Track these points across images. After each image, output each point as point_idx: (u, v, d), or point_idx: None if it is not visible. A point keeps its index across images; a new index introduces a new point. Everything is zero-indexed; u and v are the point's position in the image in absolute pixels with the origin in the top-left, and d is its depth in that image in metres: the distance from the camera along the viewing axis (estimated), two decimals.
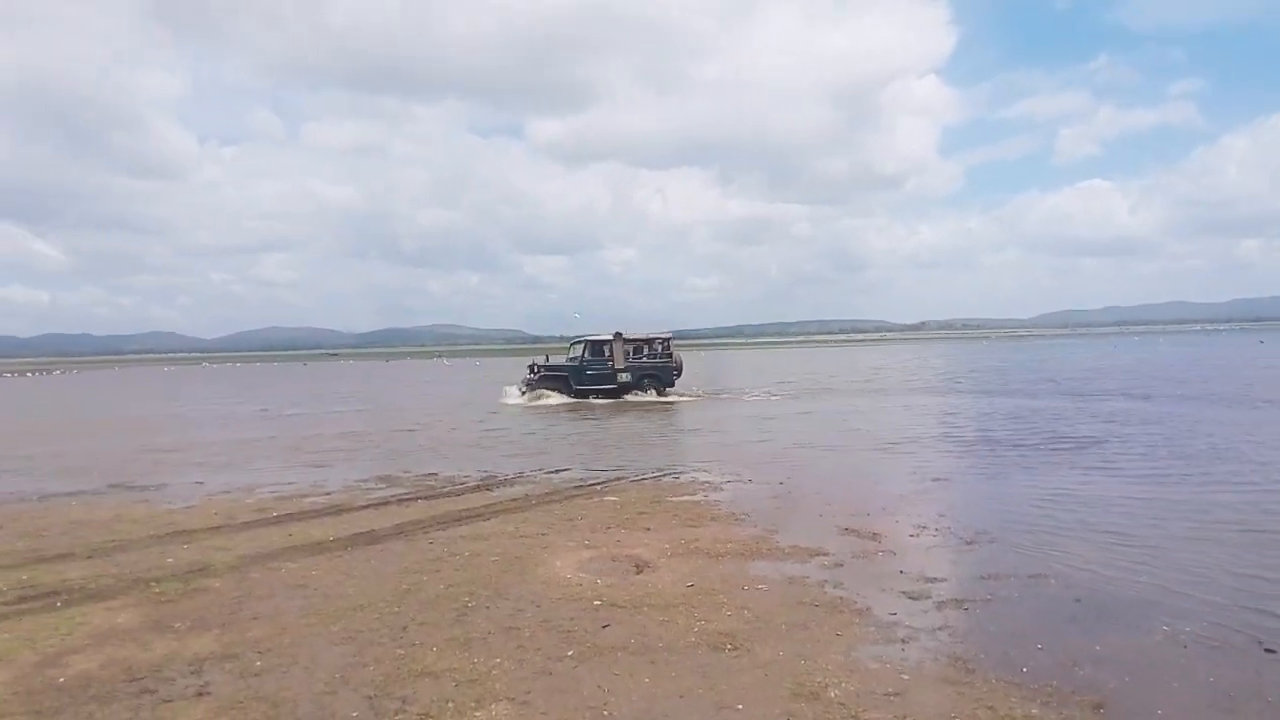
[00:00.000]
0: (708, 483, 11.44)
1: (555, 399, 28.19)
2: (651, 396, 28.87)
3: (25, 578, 7.27)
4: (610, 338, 29.31)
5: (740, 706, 4.37)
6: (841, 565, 7.12)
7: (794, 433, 17.87)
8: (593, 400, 28.32)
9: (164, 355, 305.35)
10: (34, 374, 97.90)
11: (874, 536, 8.10)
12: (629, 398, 28.59)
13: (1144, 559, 7.15)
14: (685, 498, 10.37)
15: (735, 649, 5.16)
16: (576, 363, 29.18)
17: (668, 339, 30.82)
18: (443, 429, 21.11)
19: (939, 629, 5.54)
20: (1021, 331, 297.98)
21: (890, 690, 4.53)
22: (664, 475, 12.20)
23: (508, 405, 28.11)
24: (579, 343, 30.20)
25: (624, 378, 28.94)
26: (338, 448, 17.17)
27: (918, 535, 8.20)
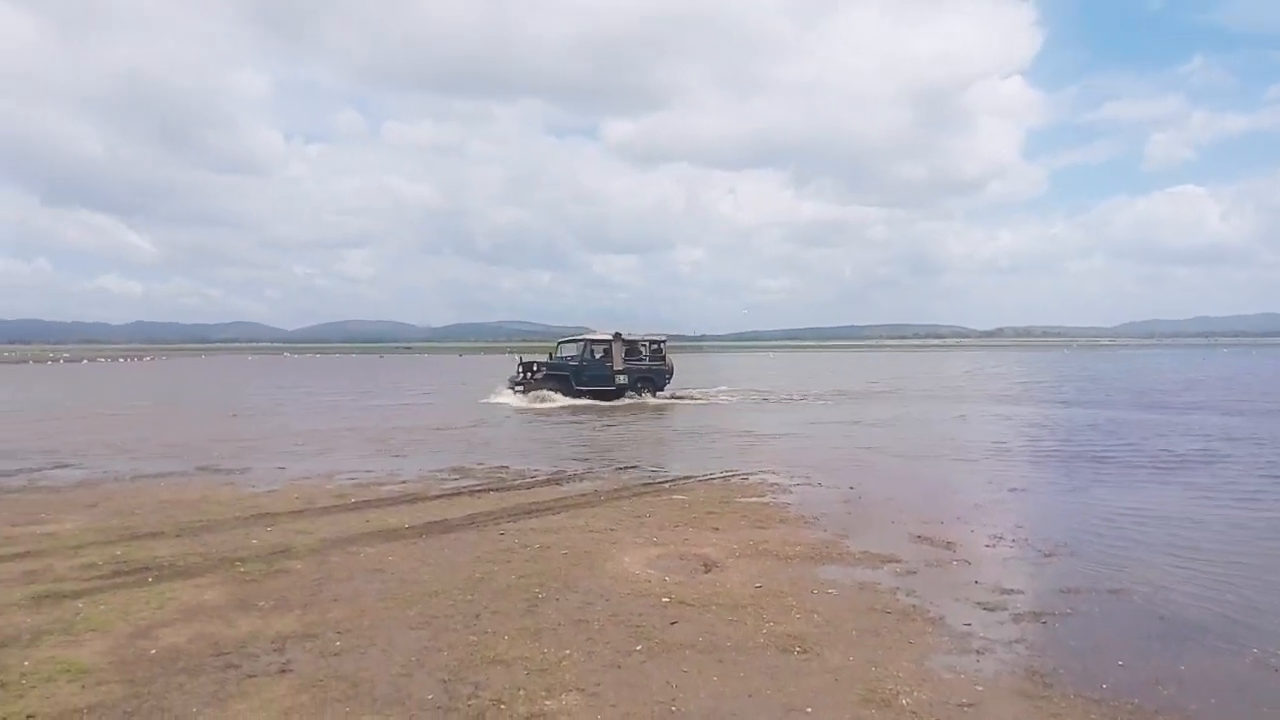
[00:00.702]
0: (776, 485, 11.38)
1: (557, 399, 27.12)
2: (649, 399, 28.23)
3: (119, 553, 7.64)
4: (609, 338, 28.56)
5: (809, 710, 4.35)
6: (914, 573, 7.01)
7: (865, 438, 17.63)
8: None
9: (248, 345, 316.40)
10: (125, 360, 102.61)
11: (948, 545, 7.95)
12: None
13: (1232, 579, 6.87)
14: (754, 499, 10.33)
15: (804, 652, 5.14)
16: (577, 363, 28.16)
17: (662, 341, 30.15)
18: (512, 424, 21.42)
19: (1015, 641, 5.42)
20: (1104, 340, 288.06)
21: (964, 701, 4.46)
22: (732, 476, 12.17)
23: (497, 405, 26.84)
24: (571, 342, 29.43)
25: (621, 380, 28.22)
26: (412, 439, 17.58)
27: (994, 546, 8.02)
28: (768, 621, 5.69)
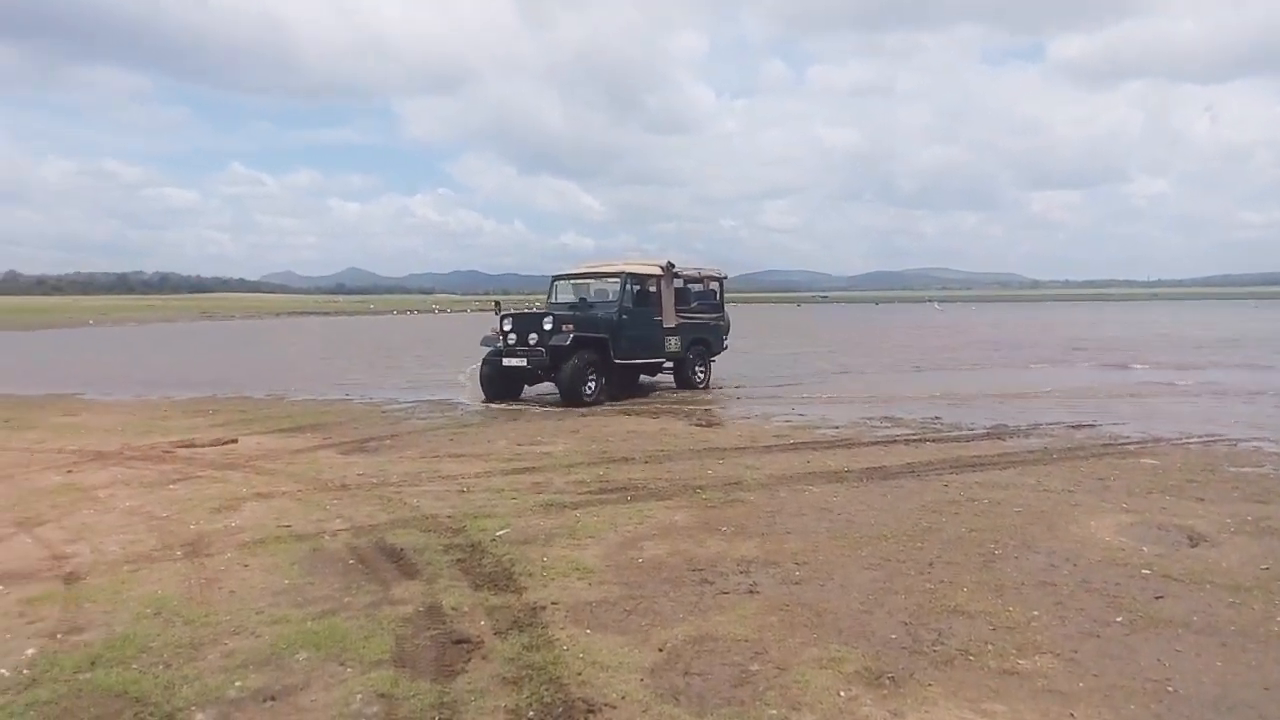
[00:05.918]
0: (1277, 454, 9.59)
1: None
2: (696, 383, 17.17)
3: (601, 474, 8.81)
4: (658, 273, 16.54)
5: None
6: None
7: None
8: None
9: None
10: None
11: None
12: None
13: None
14: (1248, 469, 8.81)
15: None
16: (615, 314, 15.60)
17: (721, 280, 18.83)
18: (933, 375, 20.63)
19: None
20: None
21: None
22: (1215, 441, 10.49)
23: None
24: (575, 279, 17.34)
25: (673, 343, 16.60)
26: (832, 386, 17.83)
27: None
28: None
